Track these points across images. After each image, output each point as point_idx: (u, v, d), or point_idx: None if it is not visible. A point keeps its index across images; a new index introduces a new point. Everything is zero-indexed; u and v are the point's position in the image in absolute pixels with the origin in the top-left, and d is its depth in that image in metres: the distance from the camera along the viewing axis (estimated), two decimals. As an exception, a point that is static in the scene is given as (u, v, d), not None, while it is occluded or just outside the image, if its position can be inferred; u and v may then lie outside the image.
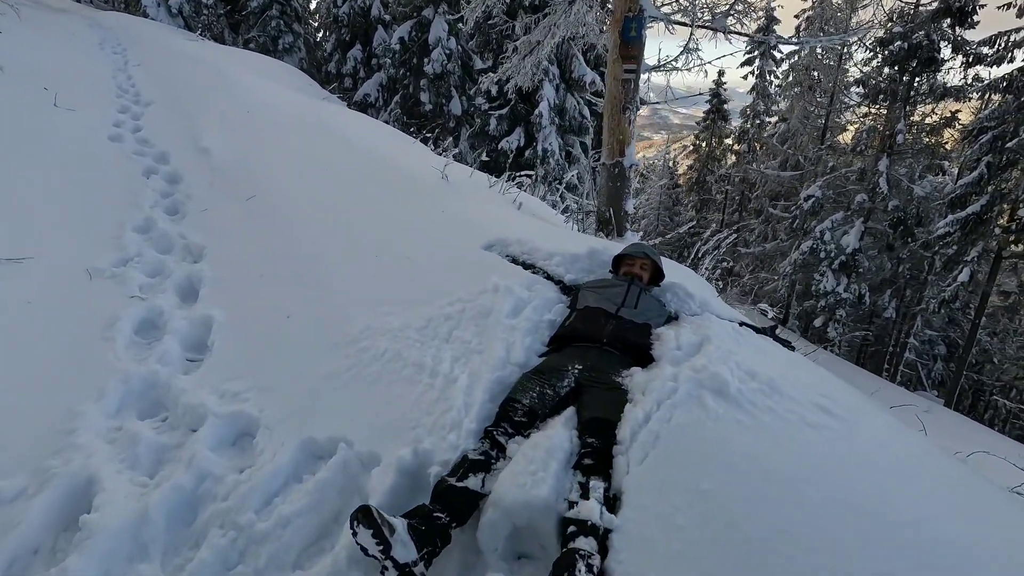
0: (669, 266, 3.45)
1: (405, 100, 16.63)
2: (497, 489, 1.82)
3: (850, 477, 1.80)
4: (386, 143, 6.87)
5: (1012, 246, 12.61)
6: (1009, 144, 11.74)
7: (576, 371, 2.25)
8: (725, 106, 24.00)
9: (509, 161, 11.38)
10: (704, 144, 25.13)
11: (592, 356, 2.33)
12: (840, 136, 18.70)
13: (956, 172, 16.56)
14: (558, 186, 8.02)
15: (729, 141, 24.60)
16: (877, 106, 15.39)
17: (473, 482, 1.82)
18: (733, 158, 23.81)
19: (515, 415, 2.06)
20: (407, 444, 2.07)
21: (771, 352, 2.63)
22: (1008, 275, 13.86)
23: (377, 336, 2.70)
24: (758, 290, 19.12)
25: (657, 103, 5.00)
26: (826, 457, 1.87)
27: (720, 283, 5.08)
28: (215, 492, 2.07)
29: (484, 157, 11.02)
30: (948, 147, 15.66)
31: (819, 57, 17.11)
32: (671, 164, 28.23)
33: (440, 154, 8.12)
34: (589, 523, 1.63)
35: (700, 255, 5.24)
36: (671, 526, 1.61)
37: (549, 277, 3.06)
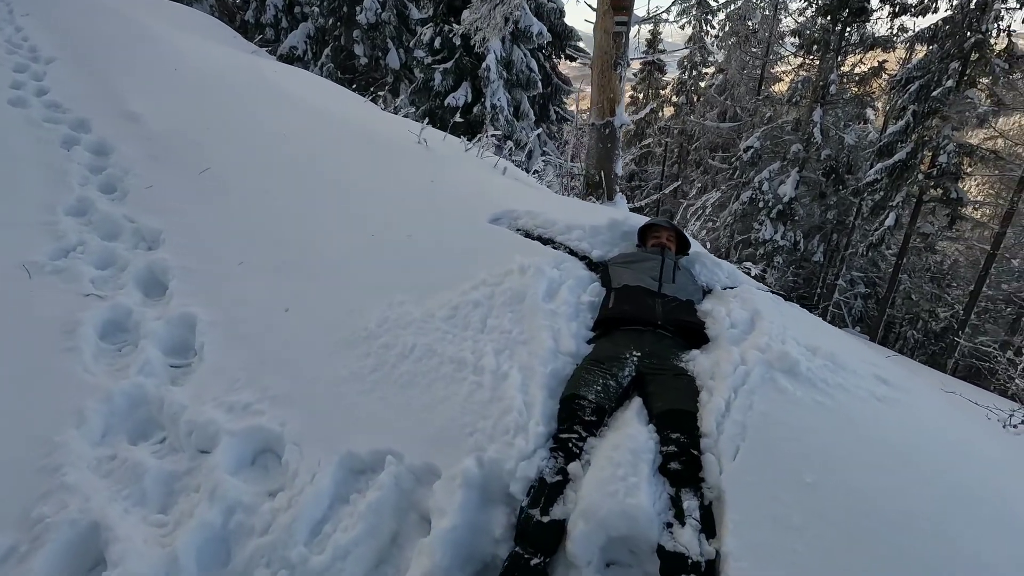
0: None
1: (337, 53, 15.48)
2: (585, 499, 1.67)
3: (935, 454, 1.79)
4: (340, 103, 6.31)
5: (932, 190, 13.52)
6: (934, 93, 12.41)
7: (635, 358, 2.11)
8: (660, 57, 23.96)
9: (486, 125, 10.79)
10: (641, 96, 25.13)
11: (648, 340, 2.18)
12: (776, 87, 19.16)
13: (880, 120, 17.44)
14: (514, 148, 7.68)
15: (665, 92, 24.71)
16: (811, 57, 15.81)
17: (559, 511, 1.67)
18: (671, 110, 23.98)
19: (584, 414, 1.90)
20: (467, 453, 1.87)
21: (810, 321, 2.59)
22: (926, 218, 14.91)
23: (399, 330, 2.44)
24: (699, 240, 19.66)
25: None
26: (908, 435, 1.85)
27: (707, 245, 5.08)
28: (250, 525, 1.81)
29: (458, 118, 10.36)
30: (875, 96, 16.38)
31: (755, 5, 17.26)
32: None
33: (394, 112, 7.60)
34: (690, 561, 1.53)
35: (688, 217, 5.17)
36: (787, 527, 1.53)
37: (572, 253, 2.87)
